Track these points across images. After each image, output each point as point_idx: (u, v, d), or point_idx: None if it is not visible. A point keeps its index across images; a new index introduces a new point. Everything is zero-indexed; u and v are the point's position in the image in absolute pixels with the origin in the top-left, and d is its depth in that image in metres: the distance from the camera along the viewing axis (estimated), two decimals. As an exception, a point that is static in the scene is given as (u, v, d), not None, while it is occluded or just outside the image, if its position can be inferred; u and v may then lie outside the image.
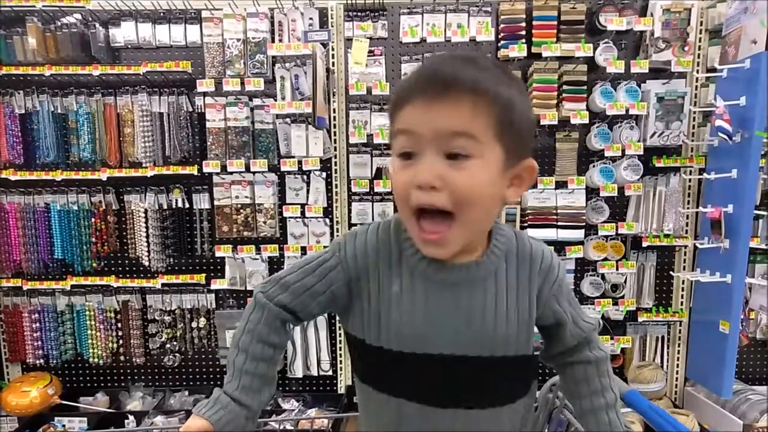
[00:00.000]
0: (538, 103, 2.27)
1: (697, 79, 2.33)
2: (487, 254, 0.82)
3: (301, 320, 0.90)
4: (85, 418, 2.46)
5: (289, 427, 2.42)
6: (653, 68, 2.27)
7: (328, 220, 2.44)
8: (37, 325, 2.57)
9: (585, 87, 2.28)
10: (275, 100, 2.29)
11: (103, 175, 2.34)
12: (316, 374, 2.60)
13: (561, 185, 2.38)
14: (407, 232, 0.82)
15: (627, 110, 2.24)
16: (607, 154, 2.30)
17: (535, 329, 0.90)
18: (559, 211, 2.40)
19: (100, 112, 2.36)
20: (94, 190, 2.45)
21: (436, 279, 0.81)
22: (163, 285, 2.48)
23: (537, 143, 2.41)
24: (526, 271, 0.84)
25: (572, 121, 2.26)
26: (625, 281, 2.49)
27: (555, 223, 2.41)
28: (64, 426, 2.47)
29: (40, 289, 2.51)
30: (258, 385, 0.86)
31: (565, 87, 2.28)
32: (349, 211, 2.44)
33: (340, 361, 2.58)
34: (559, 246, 2.42)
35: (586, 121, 2.26)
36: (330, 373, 2.60)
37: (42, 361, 2.59)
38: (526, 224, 2.41)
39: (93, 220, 2.46)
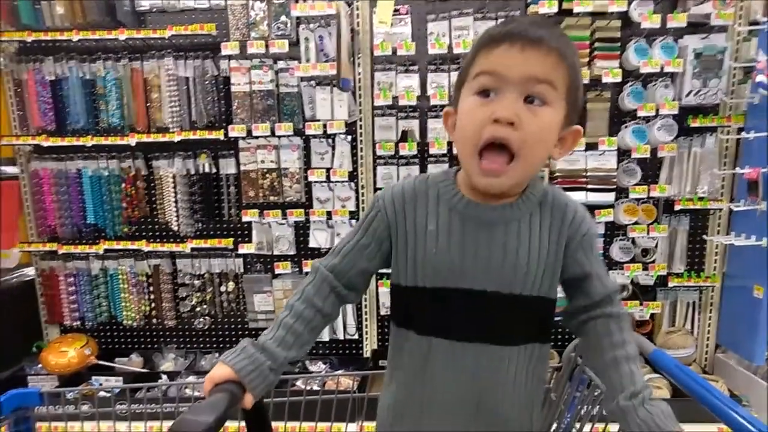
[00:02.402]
0: (568, 61, 2.20)
1: (738, 33, 2.22)
2: (522, 199, 0.88)
3: (354, 288, 0.97)
4: (121, 378, 2.55)
5: (315, 387, 2.47)
6: (691, 22, 2.16)
7: (353, 184, 2.43)
8: (73, 288, 2.65)
9: (618, 44, 2.20)
10: (299, 63, 2.27)
11: (132, 140, 2.36)
12: (342, 338, 2.63)
13: (591, 147, 2.31)
14: (445, 181, 0.92)
15: (662, 68, 2.16)
16: (640, 114, 2.22)
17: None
18: (588, 173, 2.34)
19: (127, 77, 2.38)
20: (124, 155, 2.49)
21: (472, 217, 0.88)
22: (192, 249, 2.52)
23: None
24: (558, 219, 0.89)
25: (604, 80, 2.18)
26: (656, 246, 2.43)
27: (584, 186, 2.35)
28: (101, 384, 2.56)
29: (74, 254, 2.58)
30: (290, 341, 0.91)
31: (597, 44, 2.19)
32: (374, 175, 2.42)
33: (366, 326, 2.60)
34: (589, 209, 2.36)
35: (619, 79, 2.18)
36: (356, 337, 2.62)
37: (78, 323, 2.68)
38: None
39: (123, 185, 2.50)
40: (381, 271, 0.99)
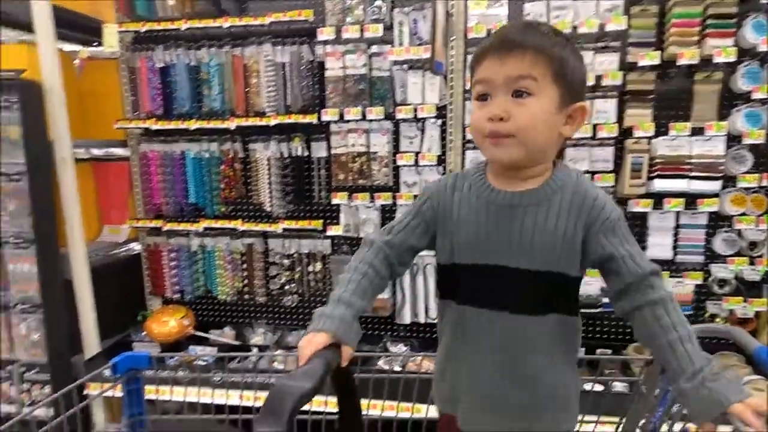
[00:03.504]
0: (676, 40, 2.08)
1: None
2: (543, 186, 1.01)
3: (403, 262, 1.11)
4: (215, 348, 2.71)
5: (396, 368, 2.51)
6: (819, -4, 2.00)
7: (441, 168, 2.44)
8: (174, 263, 2.84)
9: (734, 20, 2.05)
10: (393, 47, 2.29)
11: (232, 124, 2.49)
12: (423, 321, 2.65)
13: (697, 132, 2.18)
14: (477, 174, 1.07)
15: (783, 46, 2.00)
16: (754, 96, 2.07)
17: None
18: (693, 160, 2.21)
19: (228, 63, 2.51)
20: (224, 138, 2.62)
21: (497, 202, 1.03)
22: (283, 230, 2.62)
23: (672, 85, 2.23)
24: (577, 204, 0.99)
25: (715, 60, 2.05)
26: (766, 239, 2.27)
27: (687, 173, 2.23)
28: (197, 353, 2.73)
29: (176, 231, 2.76)
30: (360, 292, 1.03)
31: (709, 21, 2.06)
32: (463, 159, 2.41)
33: (449, 310, 2.60)
34: (690, 199, 2.25)
35: (733, 59, 2.04)
36: (437, 321, 2.63)
37: (178, 295, 2.87)
38: (654, 174, 2.26)
39: (222, 167, 2.64)
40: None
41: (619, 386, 2.15)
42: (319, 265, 2.70)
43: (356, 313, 1.00)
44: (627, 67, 2.21)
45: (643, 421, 1.38)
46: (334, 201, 2.52)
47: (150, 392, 1.63)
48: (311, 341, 0.93)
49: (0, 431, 1.18)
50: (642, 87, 2.20)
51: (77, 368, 2.50)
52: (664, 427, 1.32)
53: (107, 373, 1.53)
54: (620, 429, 1.43)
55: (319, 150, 2.56)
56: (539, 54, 0.94)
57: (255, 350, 2.64)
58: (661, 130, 2.23)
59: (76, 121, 2.47)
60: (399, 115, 2.35)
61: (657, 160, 2.24)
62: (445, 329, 1.13)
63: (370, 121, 2.43)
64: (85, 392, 2.00)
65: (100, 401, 2.51)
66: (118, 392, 1.56)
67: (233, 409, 1.63)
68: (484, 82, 0.98)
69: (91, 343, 2.56)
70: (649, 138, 2.24)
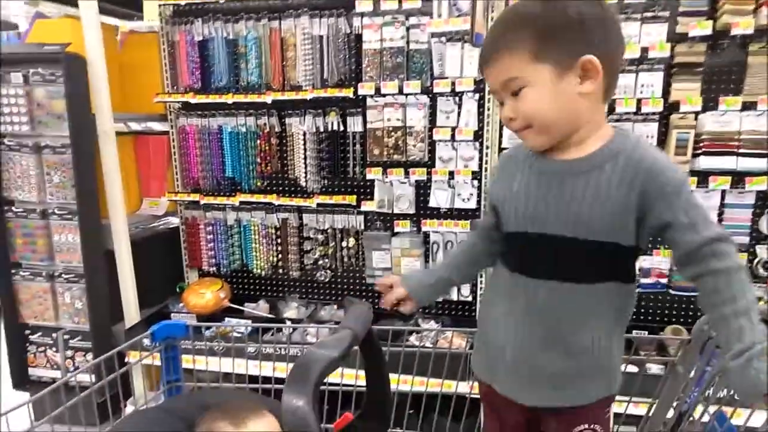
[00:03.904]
0: (730, 9, 1.99)
1: None
2: (597, 151, 1.00)
3: (495, 240, 1.19)
4: (249, 321, 2.75)
5: (427, 344, 2.51)
6: None
7: (477, 144, 2.40)
8: (211, 236, 2.89)
9: (792, -13, 1.96)
10: (431, 18, 2.26)
11: (268, 98, 2.50)
12: (455, 299, 2.64)
13: (748, 106, 2.10)
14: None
15: None
16: (813, 68, 1.98)
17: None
18: (742, 136, 2.13)
19: (266, 36, 2.51)
20: (260, 113, 2.64)
21: (547, 171, 1.04)
22: (318, 205, 2.64)
23: (723, 57, 2.14)
24: (632, 171, 0.96)
25: (772, 30, 1.96)
26: (818, 219, 2.18)
27: (735, 150, 2.15)
28: (232, 326, 2.79)
29: (213, 204, 2.80)
30: (448, 264, 1.30)
31: (768, -13, 1.97)
32: (500, 135, 2.38)
33: (480, 288, 2.58)
34: (737, 177, 2.17)
35: (793, 28, 1.95)
36: (469, 299, 2.62)
37: (214, 268, 2.92)
38: (699, 151, 2.18)
39: (258, 141, 2.66)
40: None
41: (654, 368, 2.11)
42: (352, 241, 2.71)
43: (434, 280, 1.28)
44: (676, 38, 2.12)
45: (677, 401, 1.36)
46: (369, 176, 2.52)
47: (187, 362, 1.68)
48: (393, 291, 1.26)
49: (42, 394, 1.22)
50: (691, 59, 2.12)
51: (117, 336, 2.58)
52: (699, 408, 1.29)
53: (146, 342, 1.58)
54: (653, 409, 1.41)
55: (354, 124, 2.55)
56: (508, 52, 0.97)
57: (288, 323, 2.68)
58: (710, 105, 2.15)
59: (117, 95, 2.52)
60: (436, 89, 2.32)
61: (703, 136, 2.16)
62: (492, 297, 1.17)
63: (407, 95, 2.40)
64: (125, 360, 2.06)
65: (139, 369, 2.58)
66: (156, 361, 1.61)
67: (266, 380, 1.66)
68: (491, 91, 1.08)
69: (131, 312, 2.63)
70: (696, 113, 2.16)
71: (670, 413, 1.38)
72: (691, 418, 1.32)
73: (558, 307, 1.04)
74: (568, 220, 1.00)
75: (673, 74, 2.17)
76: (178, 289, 2.94)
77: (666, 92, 2.18)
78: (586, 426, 1.09)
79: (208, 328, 2.61)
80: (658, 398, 1.39)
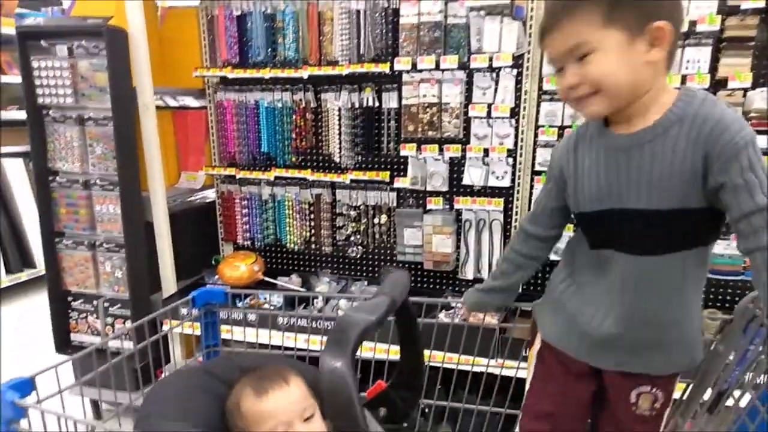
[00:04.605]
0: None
1: None
2: (662, 118, 0.98)
3: (552, 225, 1.25)
4: (282, 294, 2.80)
5: (458, 321, 2.51)
6: None
7: (513, 121, 2.37)
8: (246, 210, 2.93)
9: None
10: (471, -9, 2.23)
11: (305, 73, 2.51)
12: (486, 277, 2.62)
13: (801, 83, 2.02)
14: (597, 122, 1.09)
15: None
16: None
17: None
18: (793, 115, 2.05)
19: (303, 10, 2.51)
20: (296, 88, 2.65)
21: (612, 147, 1.05)
22: (351, 181, 2.65)
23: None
24: (694, 133, 0.94)
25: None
26: None
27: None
28: (266, 298, 2.84)
29: (249, 179, 2.84)
30: (497, 274, 1.38)
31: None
32: (537, 112, 2.34)
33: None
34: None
35: None
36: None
37: (249, 242, 2.97)
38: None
39: (294, 117, 2.68)
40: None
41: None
42: (384, 218, 2.72)
43: (484, 287, 1.40)
44: (726, 10, 2.04)
45: (715, 382, 1.33)
46: (403, 152, 2.52)
47: (223, 331, 1.72)
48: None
49: (80, 355, 1.27)
50: (742, 33, 2.04)
51: (155, 305, 2.66)
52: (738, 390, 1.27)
53: (184, 311, 1.62)
54: (690, 389, 1.39)
55: (389, 100, 2.54)
56: (577, 17, 0.96)
57: (320, 298, 2.71)
58: (760, 82, 2.07)
59: (158, 70, 2.56)
60: (473, 64, 2.29)
61: (752, 114, 2.08)
62: (571, 268, 1.21)
63: (443, 70, 2.38)
64: (162, 329, 2.13)
65: (177, 337, 2.66)
66: (193, 330, 1.65)
67: (300, 351, 1.70)
68: (551, 60, 1.04)
69: (169, 282, 2.71)
70: (745, 90, 2.08)
71: (707, 394, 1.36)
72: (730, 398, 1.30)
73: (644, 280, 1.05)
74: (640, 192, 1.00)
75: (722, 49, 2.10)
76: (213, 262, 3.00)
77: (713, 68, 2.11)
78: (649, 389, 1.11)
79: (244, 297, 2.67)
80: (695, 379, 1.37)
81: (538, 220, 1.26)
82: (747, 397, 1.22)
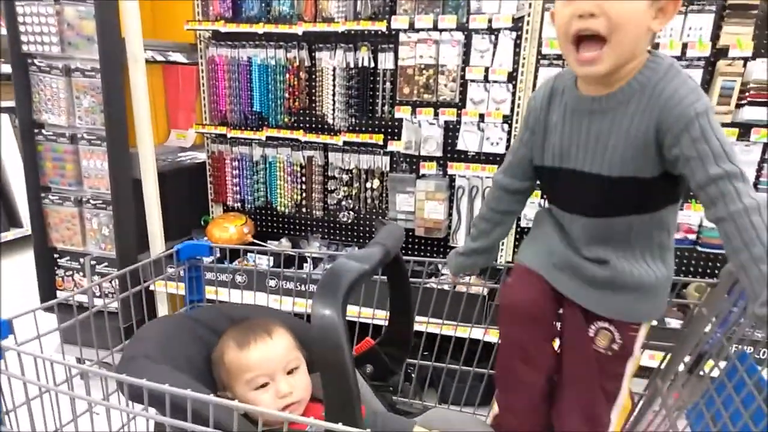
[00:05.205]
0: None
1: None
2: (624, 88, 0.98)
3: (527, 177, 1.22)
4: (272, 258, 2.78)
5: (446, 287, 2.51)
6: None
7: (510, 86, 2.33)
8: (237, 171, 2.89)
9: None
10: (472, -52, 2.17)
11: (299, 29, 2.44)
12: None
13: (802, 54, 1.99)
14: (570, 78, 1.07)
15: None
16: None
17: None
18: (792, 87, 2.03)
19: (300, -36, 2.44)
20: (290, 45, 2.59)
21: (577, 109, 1.05)
22: (344, 143, 2.61)
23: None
24: (653, 103, 0.95)
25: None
26: None
27: (783, 101, 2.05)
28: (254, 261, 2.82)
29: (240, 139, 2.80)
30: (475, 234, 1.33)
31: None
32: (535, 77, 2.30)
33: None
34: (782, 131, 2.08)
35: None
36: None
37: (239, 204, 2.94)
38: (744, 101, 2.09)
39: (287, 75, 2.62)
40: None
41: (674, 323, 2.08)
42: (376, 182, 2.69)
43: (464, 250, 1.35)
44: (731, -24, 2.01)
45: (697, 343, 1.34)
46: (398, 115, 2.48)
47: (210, 291, 1.69)
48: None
49: (55, 303, 1.23)
50: (745, 0, 2.01)
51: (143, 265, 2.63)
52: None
53: (171, 271, 1.59)
54: (671, 352, 1.39)
55: (386, 61, 2.49)
56: None
57: (309, 261, 2.70)
58: (761, 52, 2.04)
59: (148, 22, 2.49)
60: (472, 25, 2.25)
61: (751, 85, 2.07)
62: (537, 220, 1.26)
63: (441, 30, 2.33)
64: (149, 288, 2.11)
65: (164, 297, 2.64)
66: (181, 290, 1.62)
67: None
68: None
69: (157, 242, 2.67)
70: (746, 59, 2.06)
71: (687, 358, 1.36)
72: (711, 359, 1.31)
73: (593, 236, 1.09)
74: (596, 157, 1.02)
75: (724, 17, 2.06)
76: (202, 222, 2.97)
77: (715, 36, 2.08)
78: (607, 326, 1.11)
79: (231, 259, 2.65)
80: (677, 342, 1.38)
81: (513, 171, 1.23)
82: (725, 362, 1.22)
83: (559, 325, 1.19)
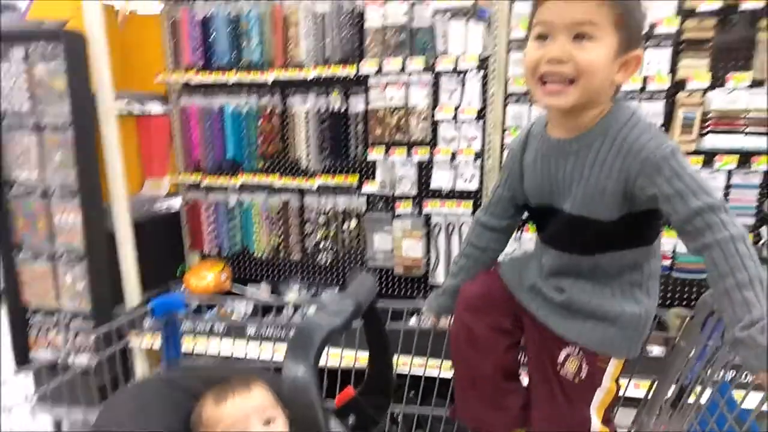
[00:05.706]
0: (738, -18, 1.96)
1: None
2: (591, 132, 1.03)
3: (508, 216, 1.29)
4: (251, 303, 2.74)
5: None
6: None
7: (481, 123, 2.37)
8: (212, 218, 2.87)
9: (803, -40, 1.92)
10: (435, -6, 2.23)
11: (270, 75, 2.47)
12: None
13: (757, 84, 2.06)
14: (543, 123, 1.14)
15: None
16: (823, 44, 1.94)
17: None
18: (749, 114, 2.09)
19: (268, 13, 2.48)
20: (262, 92, 2.61)
21: (543, 151, 1.12)
22: (319, 187, 2.62)
23: (732, 34, 2.11)
24: (616, 150, 0.99)
25: (781, 5, 1.93)
26: (827, 200, 2.15)
27: (742, 128, 2.11)
28: (232, 311, 2.76)
29: (215, 186, 2.78)
30: (455, 271, 1.35)
31: (775, -39, 1.93)
32: (504, 114, 2.35)
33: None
34: (744, 157, 2.14)
35: (802, 2, 1.92)
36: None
37: (216, 251, 2.91)
38: (706, 131, 2.15)
39: (260, 121, 2.64)
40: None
41: (656, 350, 2.09)
42: (354, 222, 2.69)
43: (443, 290, 1.37)
44: (685, 13, 2.09)
45: (678, 377, 1.34)
46: (371, 156, 2.49)
47: (188, 341, 1.66)
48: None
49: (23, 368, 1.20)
50: (700, 35, 2.09)
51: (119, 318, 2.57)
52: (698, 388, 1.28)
53: (146, 325, 1.55)
54: (655, 385, 1.40)
55: (357, 104, 2.52)
56: (603, 1, 0.94)
57: (289, 306, 2.67)
58: (718, 83, 2.11)
59: (119, 75, 2.50)
60: (439, 66, 2.29)
61: (710, 115, 2.13)
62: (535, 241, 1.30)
63: (410, 74, 2.37)
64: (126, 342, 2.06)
65: (141, 353, 2.57)
66: (156, 343, 1.58)
67: (273, 363, 1.64)
68: (545, 23, 0.98)
69: (133, 294, 2.63)
70: (704, 90, 2.13)
71: (671, 391, 1.37)
72: (692, 393, 1.31)
73: (557, 269, 1.15)
74: (565, 195, 1.08)
75: (681, 51, 2.14)
76: (179, 272, 2.93)
77: (673, 69, 2.15)
78: (574, 353, 1.13)
79: (208, 308, 2.61)
80: (660, 375, 1.38)
81: (493, 210, 1.29)
82: (708, 392, 1.22)
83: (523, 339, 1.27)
